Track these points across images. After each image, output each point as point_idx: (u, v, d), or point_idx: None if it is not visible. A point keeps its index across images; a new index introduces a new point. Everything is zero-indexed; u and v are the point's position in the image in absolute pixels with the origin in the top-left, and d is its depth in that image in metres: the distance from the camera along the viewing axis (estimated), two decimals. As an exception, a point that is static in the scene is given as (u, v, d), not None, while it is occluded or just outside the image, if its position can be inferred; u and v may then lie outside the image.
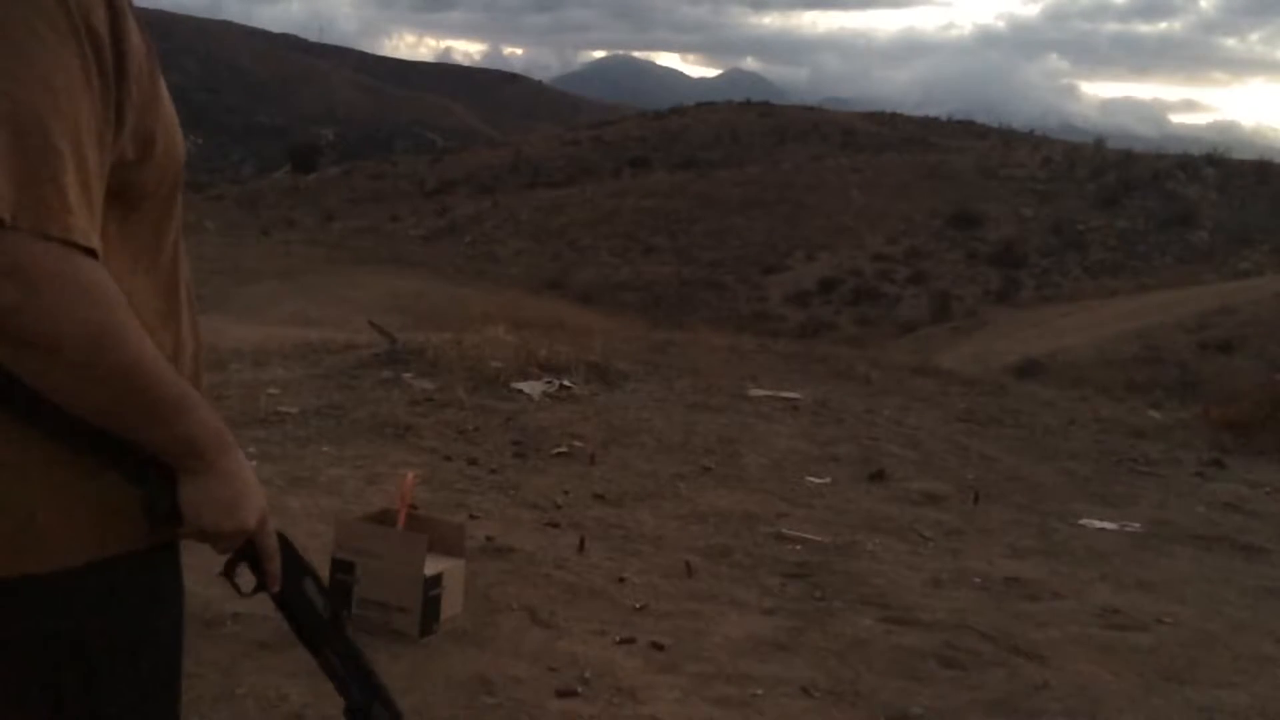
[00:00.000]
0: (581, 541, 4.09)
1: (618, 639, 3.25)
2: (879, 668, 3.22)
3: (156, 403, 1.01)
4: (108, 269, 0.99)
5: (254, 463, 4.57)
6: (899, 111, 69.43)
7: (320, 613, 1.27)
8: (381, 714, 1.31)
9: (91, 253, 0.96)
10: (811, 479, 5.52)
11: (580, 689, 2.91)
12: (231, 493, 1.08)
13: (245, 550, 1.17)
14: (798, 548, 4.36)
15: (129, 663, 1.13)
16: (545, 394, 6.85)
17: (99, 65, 0.98)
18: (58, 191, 0.93)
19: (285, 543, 1.22)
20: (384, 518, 3.38)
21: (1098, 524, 5.12)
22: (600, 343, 8.81)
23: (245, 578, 1.19)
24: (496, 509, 4.51)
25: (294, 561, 1.23)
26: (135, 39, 1.03)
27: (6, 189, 0.91)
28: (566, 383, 7.15)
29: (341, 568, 3.18)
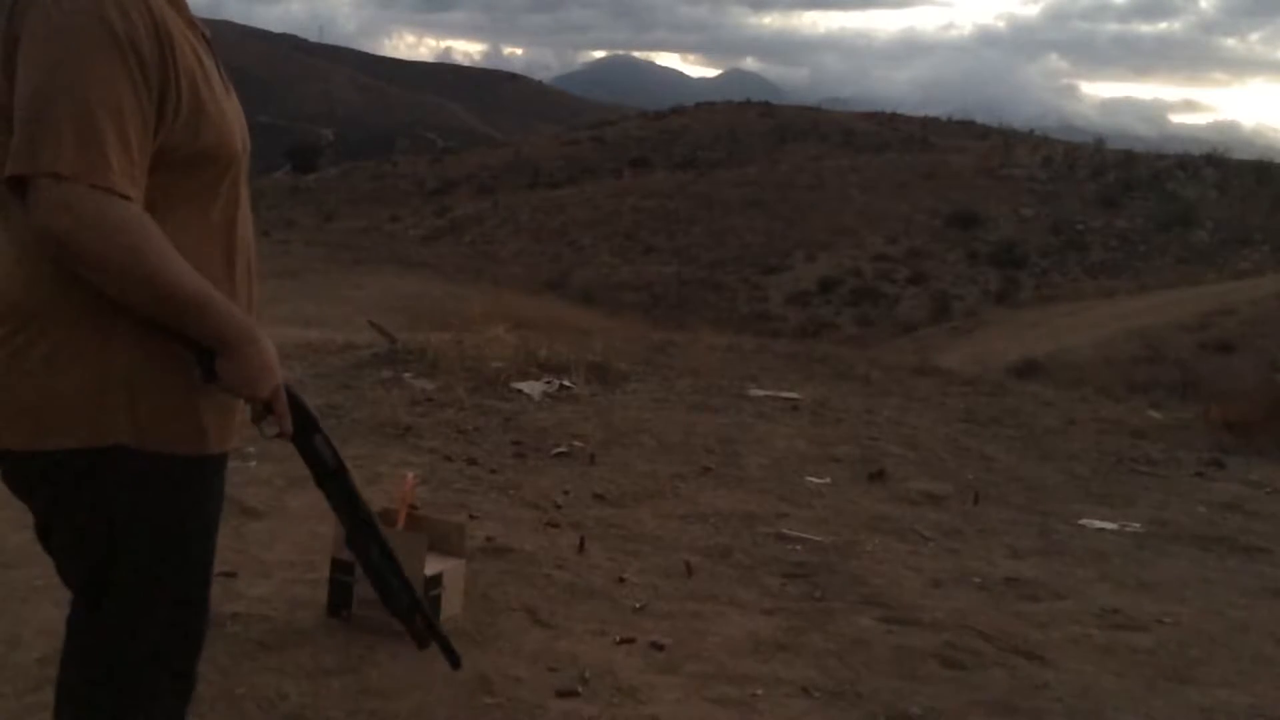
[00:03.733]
0: (581, 541, 4.09)
1: (618, 639, 3.25)
2: (879, 668, 3.22)
3: (184, 304, 1.44)
4: (163, 217, 1.45)
5: (254, 463, 4.58)
6: (899, 111, 69.34)
7: (327, 462, 1.66)
8: (370, 545, 1.71)
9: (126, 197, 1.39)
10: (811, 479, 5.51)
11: (580, 689, 2.91)
12: (251, 371, 1.51)
13: (268, 407, 1.58)
14: (798, 548, 4.35)
15: (154, 539, 1.56)
16: (545, 394, 6.85)
17: (143, 75, 1.43)
18: (102, 156, 1.37)
19: (300, 406, 1.61)
20: (384, 518, 3.38)
21: (1098, 524, 5.12)
22: (600, 343, 8.80)
23: (270, 428, 1.61)
24: (496, 509, 4.51)
25: (306, 420, 1.63)
26: (186, 65, 1.49)
27: (68, 155, 1.36)
28: (566, 383, 7.14)
29: (341, 568, 3.18)
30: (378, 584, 1.71)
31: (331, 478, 1.67)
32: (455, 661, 1.78)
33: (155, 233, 1.41)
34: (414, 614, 1.71)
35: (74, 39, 1.39)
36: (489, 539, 4.01)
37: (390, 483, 4.53)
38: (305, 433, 1.64)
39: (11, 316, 1.48)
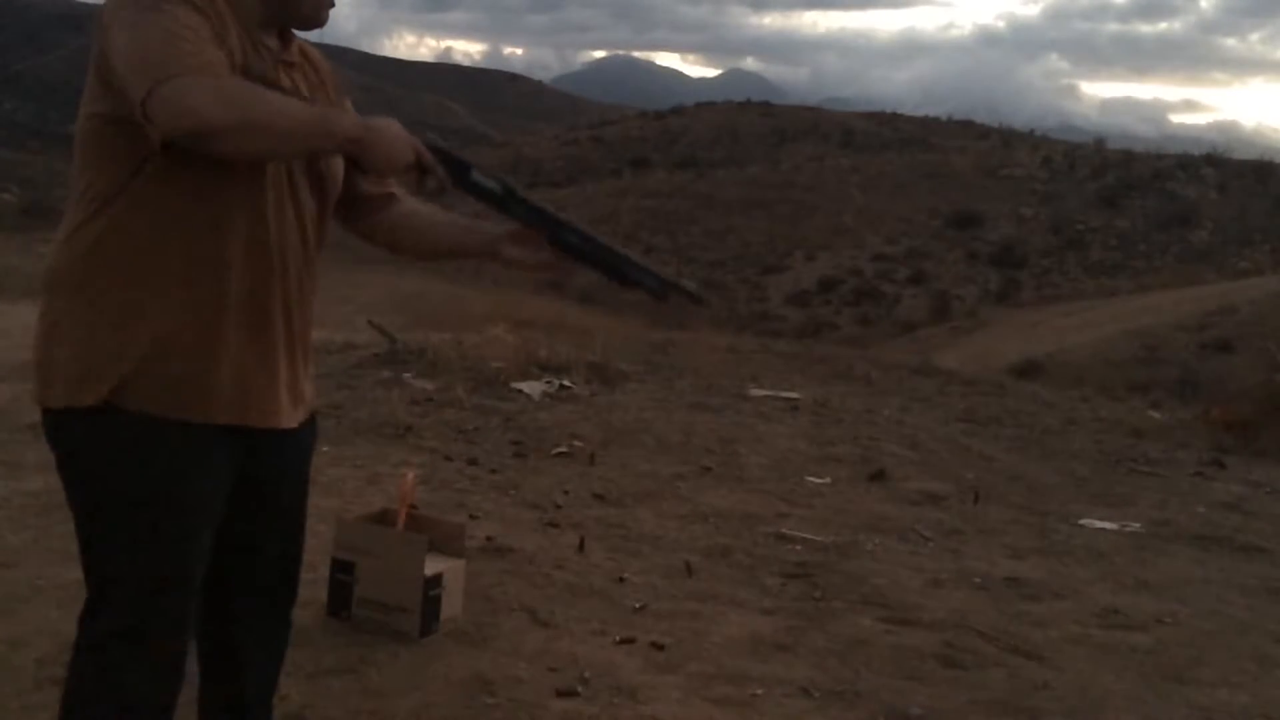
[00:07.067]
0: (581, 541, 4.09)
1: (618, 639, 3.25)
2: (879, 668, 3.22)
3: (304, 128, 1.62)
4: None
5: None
6: (899, 111, 69.36)
7: (494, 190, 1.79)
8: (571, 234, 1.79)
9: (221, 74, 1.57)
10: (811, 479, 5.51)
11: (580, 689, 2.90)
12: (384, 147, 1.68)
13: (418, 168, 1.72)
14: (798, 548, 4.35)
15: (134, 503, 1.66)
16: (545, 394, 6.85)
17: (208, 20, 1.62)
18: (189, 55, 1.54)
19: (444, 153, 1.75)
20: (384, 518, 3.38)
21: (1098, 524, 5.12)
22: (600, 343, 8.80)
23: (431, 182, 1.74)
24: (496, 509, 4.51)
25: (456, 163, 1.77)
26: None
27: (167, 65, 1.53)
28: (566, 383, 7.14)
29: (341, 568, 3.18)
30: (592, 263, 1.79)
31: (507, 198, 1.80)
32: (699, 299, 1.88)
33: (253, 84, 1.61)
34: (641, 274, 1.76)
35: (140, 6, 1.59)
36: (489, 539, 4.01)
37: (390, 483, 4.53)
38: (463, 175, 1.77)
39: (46, 287, 1.70)
